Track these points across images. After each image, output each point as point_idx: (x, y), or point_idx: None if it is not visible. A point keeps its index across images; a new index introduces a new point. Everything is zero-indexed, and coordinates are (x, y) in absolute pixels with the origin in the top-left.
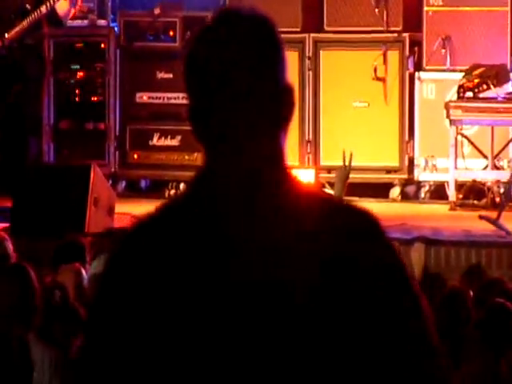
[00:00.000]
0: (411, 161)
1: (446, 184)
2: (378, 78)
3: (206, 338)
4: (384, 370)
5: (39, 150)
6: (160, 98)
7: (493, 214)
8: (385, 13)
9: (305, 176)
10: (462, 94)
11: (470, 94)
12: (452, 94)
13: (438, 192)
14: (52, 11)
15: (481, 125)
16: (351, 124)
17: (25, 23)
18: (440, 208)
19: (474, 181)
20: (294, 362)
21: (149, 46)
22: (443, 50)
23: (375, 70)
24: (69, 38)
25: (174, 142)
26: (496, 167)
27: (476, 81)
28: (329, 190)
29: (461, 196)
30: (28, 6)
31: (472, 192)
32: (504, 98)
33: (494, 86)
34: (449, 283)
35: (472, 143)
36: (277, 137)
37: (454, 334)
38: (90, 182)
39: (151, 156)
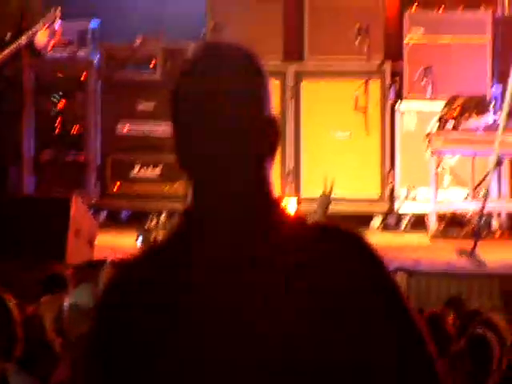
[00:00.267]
0: (392, 191)
1: (426, 215)
2: (359, 108)
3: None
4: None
5: (19, 181)
6: (141, 129)
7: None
8: (366, 43)
9: (287, 205)
10: (442, 125)
11: (450, 124)
12: (433, 125)
13: (419, 222)
14: (31, 43)
15: (461, 155)
16: (332, 154)
17: (4, 54)
18: (421, 238)
19: (455, 211)
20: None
21: (129, 77)
22: (424, 80)
23: (356, 100)
24: (49, 69)
25: (155, 173)
26: (476, 198)
27: (457, 111)
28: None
29: (441, 227)
30: (8, 36)
31: (453, 222)
32: (485, 128)
33: (475, 117)
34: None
35: (453, 174)
36: (263, 168)
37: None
38: (70, 214)
39: (132, 187)
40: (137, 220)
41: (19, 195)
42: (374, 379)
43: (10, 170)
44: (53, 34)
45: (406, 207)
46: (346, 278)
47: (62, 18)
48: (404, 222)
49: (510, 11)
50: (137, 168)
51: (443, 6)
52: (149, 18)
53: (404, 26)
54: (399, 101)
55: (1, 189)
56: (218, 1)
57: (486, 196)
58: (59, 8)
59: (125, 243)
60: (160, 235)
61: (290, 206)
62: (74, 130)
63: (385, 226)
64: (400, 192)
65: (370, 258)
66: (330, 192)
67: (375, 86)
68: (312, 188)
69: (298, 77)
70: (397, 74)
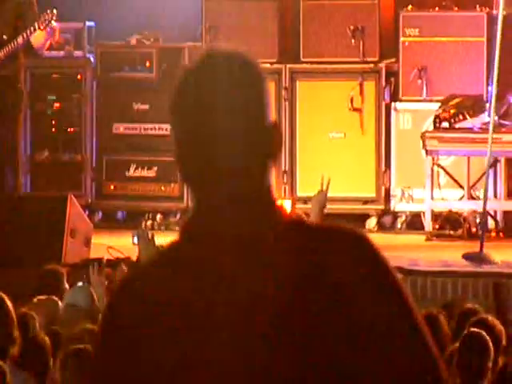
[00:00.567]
0: (387, 191)
1: (422, 214)
2: (355, 109)
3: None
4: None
5: (15, 181)
6: (136, 129)
7: (471, 246)
8: (361, 43)
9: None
10: (438, 125)
11: (446, 124)
12: (428, 125)
13: (415, 222)
14: (27, 43)
15: (457, 155)
16: (327, 155)
17: (1, 54)
18: (416, 238)
19: (450, 211)
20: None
21: (125, 77)
22: (419, 81)
23: (351, 101)
24: (45, 69)
25: (151, 173)
26: (472, 197)
27: (452, 111)
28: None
29: (437, 226)
30: (5, 36)
31: (448, 222)
32: (480, 128)
33: (470, 117)
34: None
35: (448, 173)
36: (265, 173)
37: None
38: (66, 214)
39: (128, 187)
40: (132, 220)
41: (15, 195)
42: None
43: (5, 170)
44: (49, 34)
45: (402, 207)
46: (350, 278)
47: (58, 18)
48: (399, 222)
49: (505, 10)
50: (132, 168)
51: (438, 6)
52: (144, 18)
53: (399, 27)
54: (394, 101)
55: None
56: (213, 1)
57: (485, 195)
58: (55, 8)
59: (120, 243)
60: (156, 235)
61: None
62: (70, 130)
63: (380, 226)
64: (395, 192)
65: (375, 258)
66: (326, 190)
67: (370, 86)
68: (307, 188)
69: (294, 77)
70: (392, 75)
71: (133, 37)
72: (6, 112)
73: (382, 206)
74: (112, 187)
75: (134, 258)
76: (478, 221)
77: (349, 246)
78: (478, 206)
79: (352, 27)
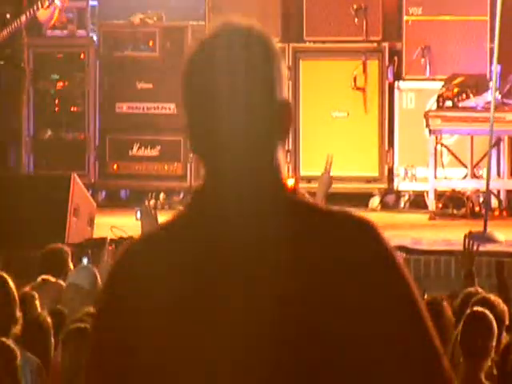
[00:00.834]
0: (391, 170)
1: (425, 193)
2: (358, 88)
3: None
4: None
5: (19, 160)
6: (140, 108)
7: (474, 225)
8: (364, 23)
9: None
10: (441, 104)
11: (449, 103)
12: (431, 104)
13: (418, 201)
14: (33, 19)
15: (460, 134)
16: (331, 134)
17: (4, 33)
18: (419, 217)
19: (454, 190)
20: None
21: (128, 56)
22: (423, 60)
23: (355, 80)
24: (48, 49)
25: (154, 152)
26: (475, 176)
27: (455, 90)
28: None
29: (440, 205)
30: (8, 15)
31: (451, 201)
32: (483, 107)
33: (474, 96)
34: (428, 292)
35: (451, 152)
36: (274, 150)
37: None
38: (70, 193)
39: (131, 166)
40: (136, 199)
41: (18, 174)
42: (377, 373)
43: (9, 149)
44: (52, 12)
45: (405, 186)
46: (355, 265)
47: None
48: (403, 201)
49: None
50: (136, 147)
51: None
52: None
53: (402, 6)
54: (398, 80)
55: (0, 168)
56: None
57: (488, 175)
58: None
59: (124, 222)
60: (159, 213)
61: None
62: (73, 109)
63: (383, 205)
64: (399, 171)
65: (381, 245)
66: (329, 170)
67: (373, 65)
68: (311, 167)
69: (297, 57)
70: (395, 54)
71: (136, 16)
72: (10, 91)
73: (385, 185)
74: (115, 166)
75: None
76: (481, 200)
77: (357, 232)
78: (481, 185)
79: (355, 6)
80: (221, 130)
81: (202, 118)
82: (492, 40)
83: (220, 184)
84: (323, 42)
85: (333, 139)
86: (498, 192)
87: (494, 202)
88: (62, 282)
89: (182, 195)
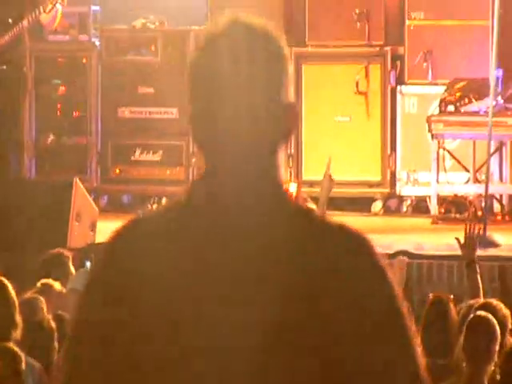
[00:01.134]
0: (393, 175)
1: (427, 198)
2: (360, 92)
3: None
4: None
5: (21, 165)
6: (142, 113)
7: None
8: (366, 27)
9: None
10: (443, 108)
11: (451, 107)
12: (434, 108)
13: (420, 206)
14: (35, 23)
15: (462, 139)
16: (333, 138)
17: (6, 37)
18: (422, 222)
19: (456, 195)
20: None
21: (130, 61)
22: (425, 64)
23: (357, 84)
24: (50, 53)
25: (156, 157)
26: (478, 181)
27: (458, 95)
28: (311, 205)
29: (442, 210)
30: (10, 20)
31: (454, 206)
32: (485, 111)
33: (476, 100)
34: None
35: (454, 157)
36: (276, 151)
37: (443, 345)
38: (72, 198)
39: (133, 171)
40: (138, 204)
41: (20, 179)
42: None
43: (10, 154)
44: (54, 17)
45: (407, 190)
46: (344, 275)
47: (64, 2)
48: (405, 206)
49: None
50: (138, 152)
51: None
52: (150, 2)
53: (405, 10)
54: (400, 84)
55: (2, 174)
56: None
57: (487, 179)
58: None
59: None
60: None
61: (290, 191)
62: (75, 114)
63: (386, 210)
64: (401, 175)
65: (373, 259)
66: (328, 172)
67: (376, 69)
68: (313, 172)
69: (299, 61)
70: (397, 58)
71: (138, 21)
72: (11, 96)
73: (387, 190)
74: (117, 171)
75: None
76: (483, 204)
77: (349, 244)
78: (483, 189)
79: (357, 10)
80: (223, 126)
81: (206, 112)
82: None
83: (219, 178)
84: (325, 46)
85: (335, 143)
86: (501, 196)
87: (497, 207)
88: (58, 286)
89: None
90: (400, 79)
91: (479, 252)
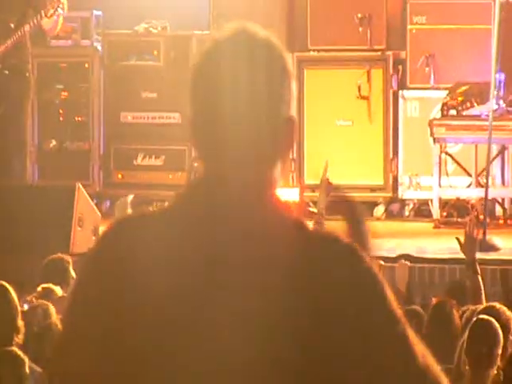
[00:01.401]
0: (395, 179)
1: (429, 202)
2: (362, 97)
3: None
4: None
5: (23, 170)
6: (144, 118)
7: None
8: (368, 31)
9: (289, 195)
10: (445, 112)
11: (453, 112)
12: (436, 112)
13: (422, 210)
14: (37, 28)
15: (464, 143)
16: (335, 142)
17: (9, 43)
18: (424, 226)
19: (458, 199)
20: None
21: (133, 66)
22: (427, 68)
23: (359, 89)
24: (53, 58)
25: (159, 162)
26: (480, 185)
27: (460, 99)
28: (313, 209)
29: (445, 214)
30: (12, 25)
31: (456, 209)
32: (487, 115)
33: (478, 104)
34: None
35: (456, 161)
36: (273, 165)
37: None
38: (74, 203)
39: (136, 175)
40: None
41: (23, 184)
42: None
43: (13, 159)
44: (56, 22)
45: (409, 194)
46: (331, 288)
47: (66, 7)
48: (407, 210)
49: None
50: (140, 157)
51: None
52: (152, 7)
53: (406, 14)
54: (402, 89)
55: (5, 179)
56: None
57: (487, 183)
58: None
59: None
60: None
61: (291, 196)
62: (78, 119)
63: (388, 214)
64: (403, 179)
65: (365, 269)
66: (325, 176)
67: (378, 74)
68: (315, 176)
69: (301, 65)
70: (399, 62)
71: (140, 25)
72: (14, 101)
73: (389, 194)
74: (120, 176)
75: None
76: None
77: (338, 256)
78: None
79: (359, 15)
80: (222, 135)
81: (205, 120)
82: (496, 48)
83: (215, 187)
84: (327, 50)
85: (337, 148)
86: (503, 200)
87: (499, 211)
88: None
89: None
90: (402, 83)
91: (481, 255)
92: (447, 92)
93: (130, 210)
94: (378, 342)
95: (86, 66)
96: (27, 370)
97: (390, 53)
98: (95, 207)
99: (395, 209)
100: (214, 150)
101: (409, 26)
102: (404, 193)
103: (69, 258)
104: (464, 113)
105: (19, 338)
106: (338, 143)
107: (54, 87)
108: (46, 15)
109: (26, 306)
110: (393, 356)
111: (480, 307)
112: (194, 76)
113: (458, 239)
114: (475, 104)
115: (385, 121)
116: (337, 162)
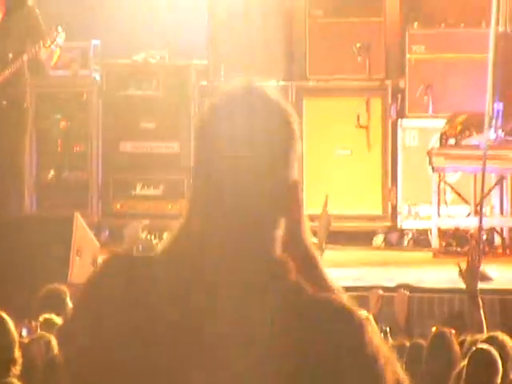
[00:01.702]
0: (394, 208)
1: (428, 231)
2: (361, 126)
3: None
4: None
5: (21, 201)
6: (143, 148)
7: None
8: (367, 61)
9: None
10: (444, 142)
11: (452, 141)
12: (434, 142)
13: (421, 239)
14: (35, 59)
15: (463, 172)
16: (334, 172)
17: (6, 73)
18: (423, 255)
19: (457, 228)
20: None
21: (131, 96)
22: (426, 97)
23: (358, 118)
24: (51, 88)
25: (157, 192)
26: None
27: (458, 128)
28: (313, 239)
29: (444, 243)
30: (10, 55)
31: (455, 239)
32: (485, 145)
33: (477, 134)
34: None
35: (455, 190)
36: (273, 227)
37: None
38: (73, 233)
39: (134, 205)
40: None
41: (21, 215)
42: None
43: (11, 190)
44: (54, 52)
45: (408, 224)
46: (331, 355)
47: (64, 36)
48: (406, 239)
49: (511, 27)
50: (139, 187)
51: (444, 23)
52: (151, 37)
53: (405, 44)
54: (401, 118)
55: (2, 209)
56: (219, 19)
57: (480, 212)
58: (60, 27)
59: None
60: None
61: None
62: (76, 149)
63: (387, 243)
64: (402, 209)
65: (361, 338)
66: (326, 209)
67: (377, 103)
68: (314, 205)
69: (300, 94)
70: (398, 92)
71: (139, 55)
72: (12, 132)
73: (388, 223)
74: (119, 206)
75: None
76: (484, 237)
77: (336, 321)
78: (484, 222)
79: (358, 44)
80: (224, 193)
81: (208, 177)
82: (494, 78)
83: (212, 247)
84: (326, 80)
85: (336, 177)
86: (501, 230)
87: (498, 240)
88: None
89: None
90: (401, 112)
91: (480, 285)
92: (446, 121)
93: (142, 235)
94: None
95: (85, 95)
96: None
97: (388, 82)
98: (94, 237)
99: (394, 238)
100: (216, 207)
101: (408, 56)
102: (403, 222)
103: (65, 289)
104: (463, 142)
105: (16, 369)
106: (337, 172)
107: (53, 117)
108: (44, 45)
109: (24, 332)
110: None
111: (481, 337)
112: (200, 130)
113: (459, 266)
114: (474, 133)
115: (384, 150)
116: (336, 192)
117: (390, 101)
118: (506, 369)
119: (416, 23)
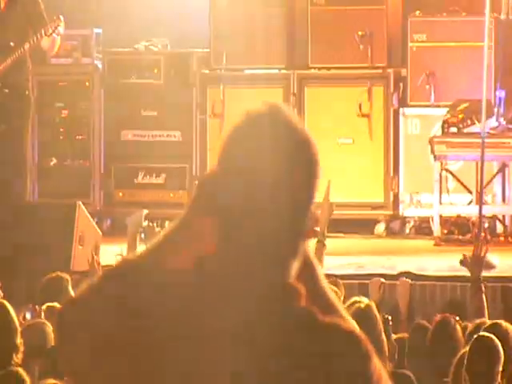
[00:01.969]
0: (396, 196)
1: (430, 219)
2: (363, 114)
3: None
4: None
5: (24, 188)
6: (145, 136)
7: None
8: (369, 49)
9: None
10: (446, 130)
11: (454, 129)
12: (436, 130)
13: (423, 227)
14: (37, 47)
15: (465, 160)
16: (336, 160)
17: (8, 61)
18: (425, 243)
19: (459, 216)
20: None
21: (133, 84)
22: (427, 86)
23: (360, 106)
24: (53, 77)
25: (159, 180)
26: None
27: (460, 116)
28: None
29: (445, 231)
30: (12, 43)
31: (456, 227)
32: (488, 132)
33: (479, 122)
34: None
35: (456, 178)
36: (292, 254)
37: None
38: (75, 221)
39: (136, 194)
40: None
41: (23, 202)
42: None
43: (13, 178)
44: (55, 40)
45: (410, 212)
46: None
47: (65, 25)
48: (408, 227)
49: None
50: (141, 175)
51: (446, 11)
52: (152, 25)
53: (407, 32)
54: (402, 106)
55: (5, 197)
56: (221, 7)
57: (481, 201)
58: (61, 16)
59: None
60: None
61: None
62: (78, 137)
63: (389, 231)
64: (404, 197)
65: (367, 364)
66: (328, 196)
67: (379, 91)
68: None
69: (302, 83)
70: (400, 80)
71: (141, 43)
72: (15, 119)
73: (390, 212)
74: (121, 194)
75: None
76: (486, 225)
77: (343, 347)
78: (486, 210)
79: (360, 33)
80: (241, 216)
81: (228, 198)
82: (496, 66)
83: (231, 274)
84: (328, 68)
85: (338, 166)
86: (503, 217)
87: (500, 228)
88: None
89: None
90: (403, 101)
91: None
92: (448, 109)
93: (144, 224)
94: None
95: (87, 84)
96: None
97: (390, 70)
98: (96, 225)
99: (396, 226)
100: (231, 231)
101: (409, 44)
102: (405, 210)
103: (67, 277)
104: (465, 130)
105: (18, 358)
106: (338, 161)
107: (55, 105)
108: (45, 34)
109: (28, 315)
110: None
111: (486, 324)
112: (222, 152)
113: (464, 255)
114: (476, 121)
115: (385, 138)
116: (338, 180)
117: (391, 89)
118: (510, 356)
119: (418, 11)
